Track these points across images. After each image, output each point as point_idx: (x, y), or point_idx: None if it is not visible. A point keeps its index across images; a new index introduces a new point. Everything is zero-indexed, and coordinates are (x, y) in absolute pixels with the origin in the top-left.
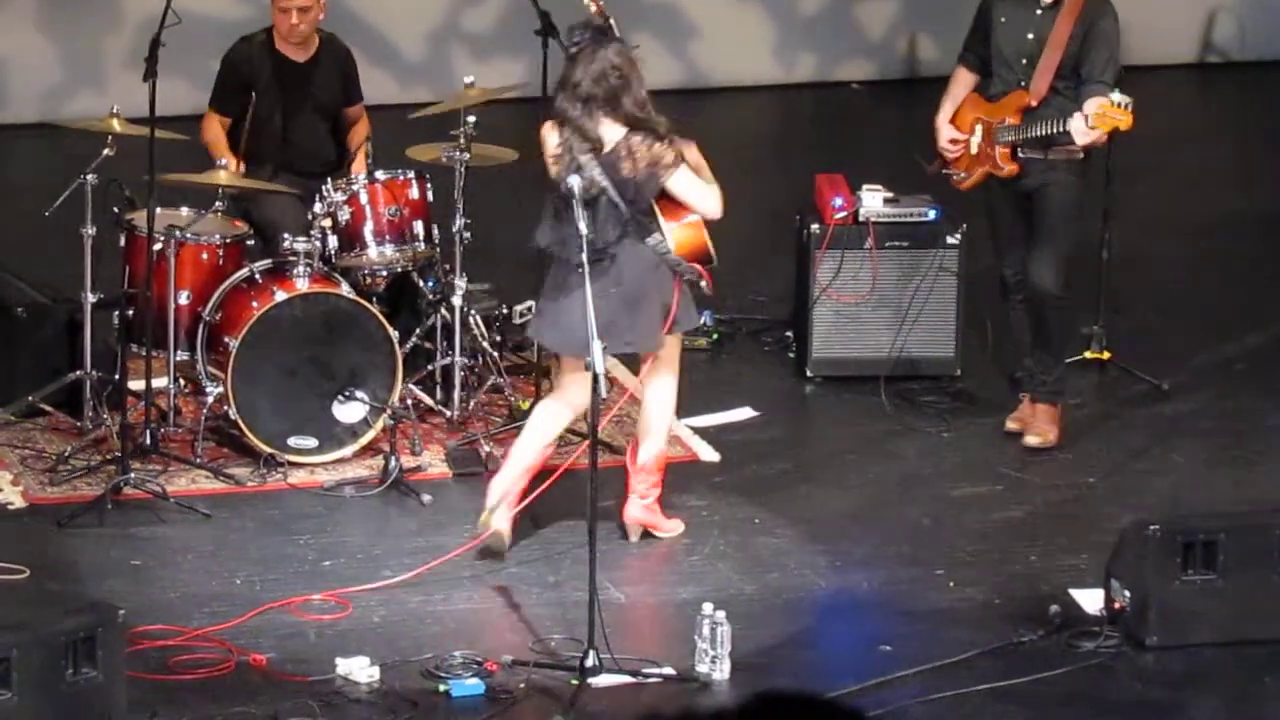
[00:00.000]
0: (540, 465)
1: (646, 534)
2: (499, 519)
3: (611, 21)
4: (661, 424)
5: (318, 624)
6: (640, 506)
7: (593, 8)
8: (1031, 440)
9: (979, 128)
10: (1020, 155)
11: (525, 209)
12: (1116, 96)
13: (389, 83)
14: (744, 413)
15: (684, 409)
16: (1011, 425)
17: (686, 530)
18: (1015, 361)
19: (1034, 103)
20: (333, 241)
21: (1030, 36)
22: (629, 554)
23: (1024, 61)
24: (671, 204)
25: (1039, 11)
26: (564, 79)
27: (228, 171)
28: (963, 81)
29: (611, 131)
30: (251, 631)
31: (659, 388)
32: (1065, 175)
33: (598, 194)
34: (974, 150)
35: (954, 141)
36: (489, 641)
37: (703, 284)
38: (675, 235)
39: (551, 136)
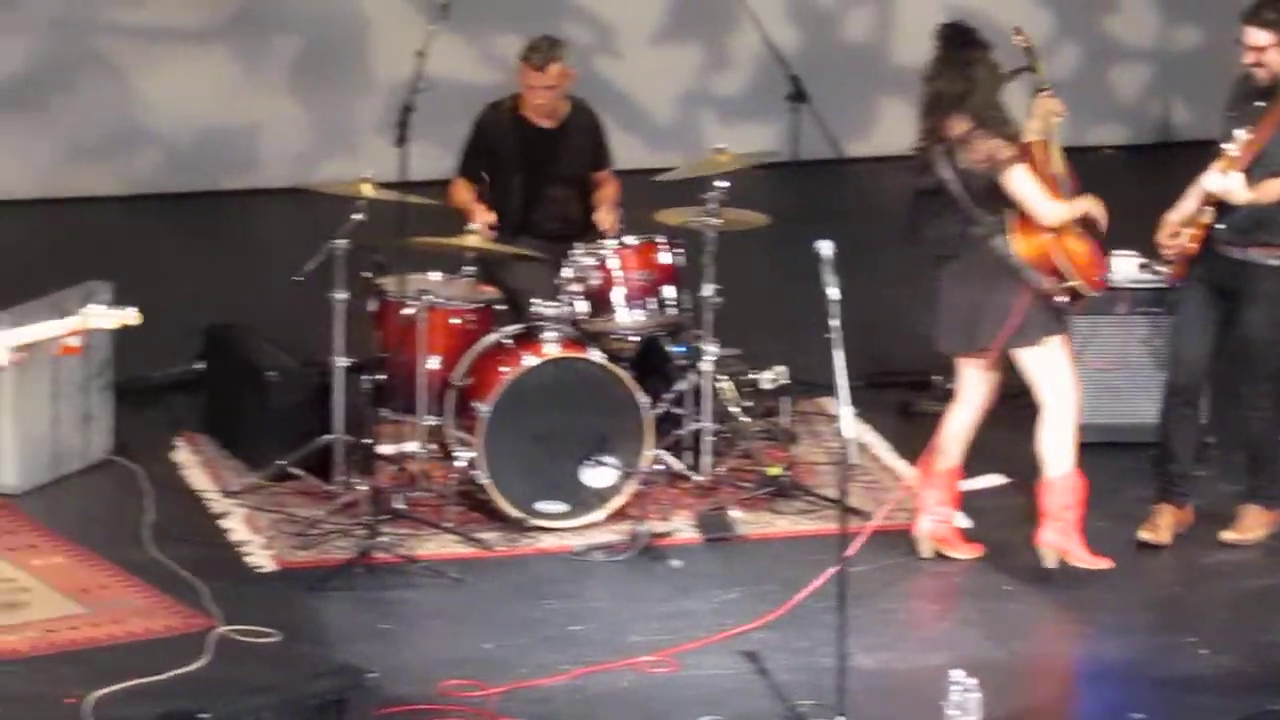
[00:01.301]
0: (958, 470)
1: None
2: (921, 526)
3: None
4: (1050, 447)
5: (567, 689)
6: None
7: (1021, 40)
8: (1231, 536)
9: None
10: (1214, 236)
11: (775, 274)
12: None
13: (638, 147)
14: (994, 479)
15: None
16: (1144, 535)
17: (935, 595)
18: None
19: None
20: (582, 306)
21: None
22: (878, 619)
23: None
24: (1025, 216)
25: (1257, 104)
26: (925, 75)
27: (478, 236)
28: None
29: (960, 127)
30: (500, 696)
31: (1047, 408)
32: (1265, 284)
33: (942, 187)
34: (1184, 238)
35: (1172, 235)
36: (738, 708)
37: (1059, 296)
38: (1023, 244)
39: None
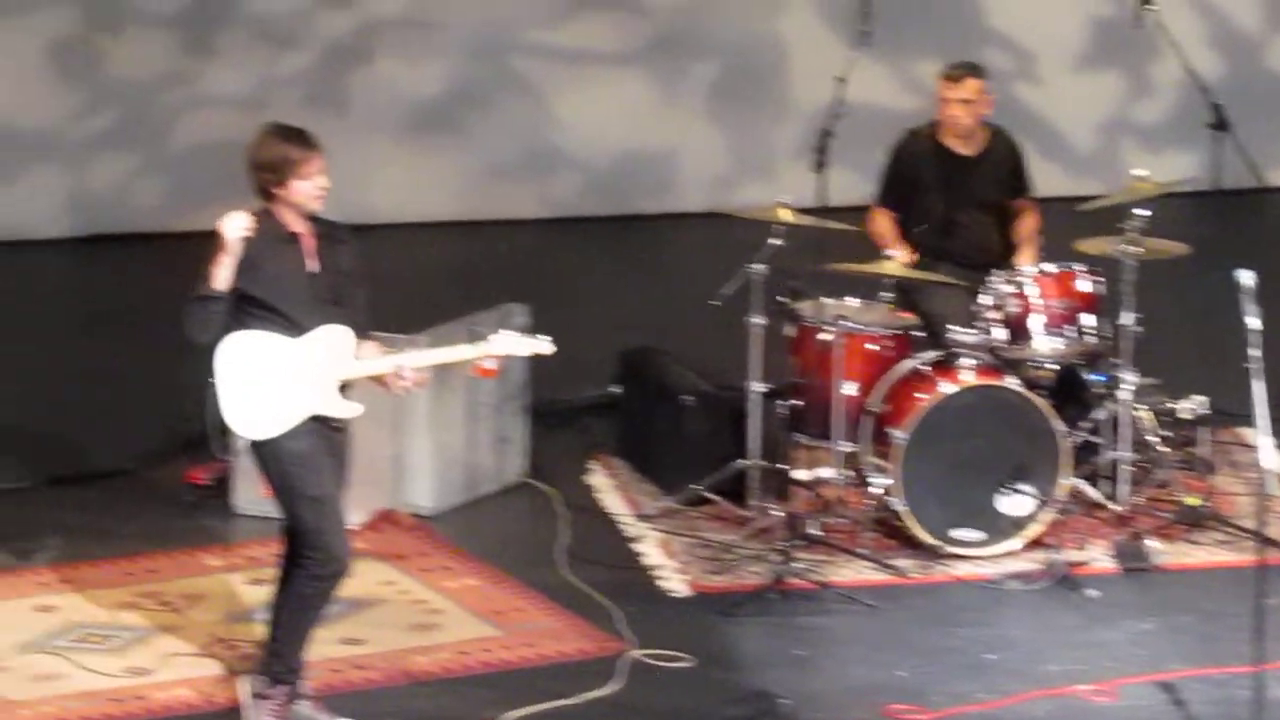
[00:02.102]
0: None
1: None
2: None
3: None
4: None
5: (981, 718)
6: None
7: None
8: None
9: None
10: None
11: (1195, 303)
12: None
13: (1058, 175)
14: None
15: None
16: None
17: None
18: None
19: None
20: (999, 333)
21: None
22: None
23: None
24: None
25: None
26: None
27: (896, 262)
28: None
29: None
30: None
31: None
32: None
33: None
34: None
35: None
36: None
37: None
38: None
39: None
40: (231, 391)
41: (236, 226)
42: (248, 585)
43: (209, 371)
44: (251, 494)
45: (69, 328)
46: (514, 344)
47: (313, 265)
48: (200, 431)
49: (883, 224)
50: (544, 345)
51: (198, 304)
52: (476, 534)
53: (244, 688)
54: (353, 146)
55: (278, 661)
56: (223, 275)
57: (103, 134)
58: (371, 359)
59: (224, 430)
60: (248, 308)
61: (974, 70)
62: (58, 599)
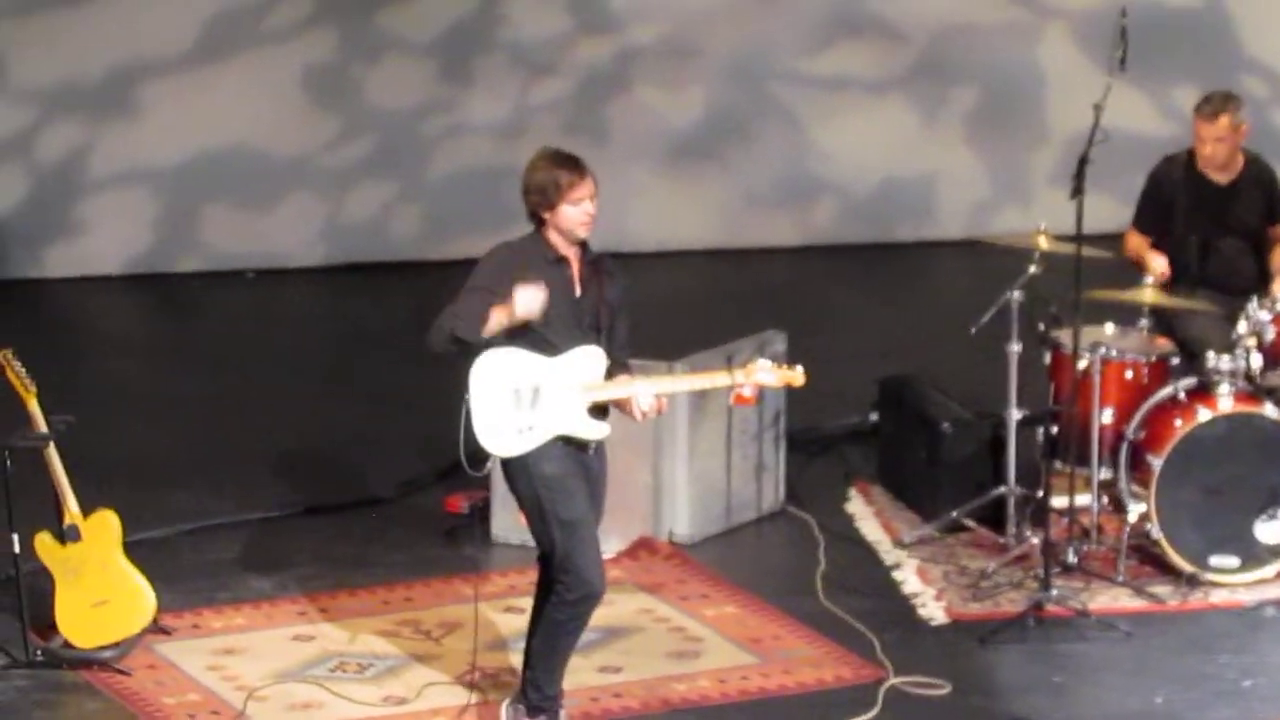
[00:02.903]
0: None
1: None
2: None
3: None
4: None
5: None
6: None
7: None
8: None
9: None
10: None
11: None
12: None
13: None
14: None
15: None
16: None
17: None
18: None
19: None
20: (1257, 360)
21: None
22: None
23: None
24: None
25: None
26: None
27: (1153, 289)
28: None
29: None
30: None
31: None
32: None
33: None
34: None
35: None
36: None
37: None
38: None
39: None
40: (483, 406)
41: (530, 301)
42: (504, 614)
43: (465, 390)
44: (509, 522)
45: (327, 355)
46: (769, 373)
47: (578, 291)
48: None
49: (1138, 247)
50: (798, 376)
51: (455, 342)
52: (734, 561)
53: (503, 712)
54: (611, 174)
55: (534, 690)
56: (492, 329)
57: (359, 162)
58: (615, 383)
59: (480, 454)
60: (513, 332)
61: (1228, 106)
62: (315, 628)
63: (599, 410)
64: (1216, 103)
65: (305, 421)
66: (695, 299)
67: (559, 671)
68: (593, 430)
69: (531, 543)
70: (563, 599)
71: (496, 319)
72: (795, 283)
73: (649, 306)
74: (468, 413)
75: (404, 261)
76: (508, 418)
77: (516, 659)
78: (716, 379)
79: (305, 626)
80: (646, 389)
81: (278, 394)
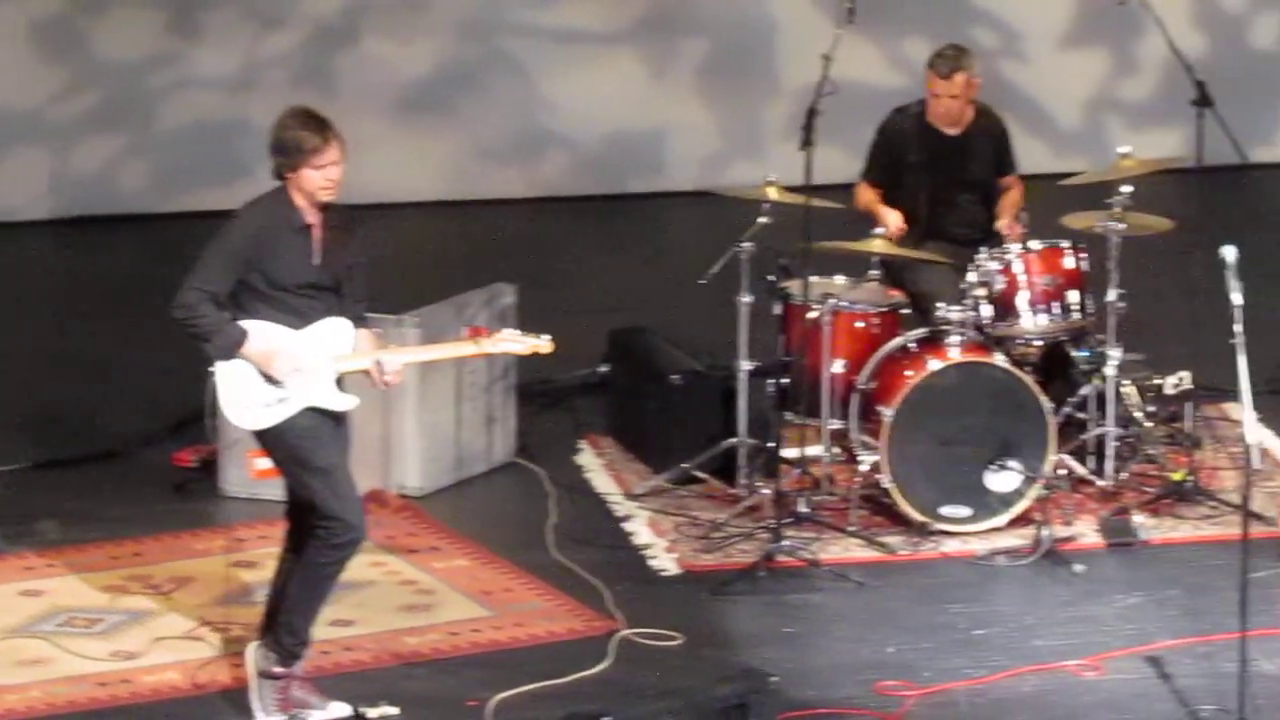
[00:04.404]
0: None
1: None
2: None
3: None
4: None
5: (970, 693)
6: None
7: None
8: None
9: None
10: None
11: (1179, 279)
12: None
13: (1043, 152)
14: None
15: None
16: None
17: None
18: None
19: None
20: (987, 310)
21: None
22: None
23: None
24: None
25: None
26: None
27: (883, 240)
28: None
29: None
30: (906, 700)
31: None
32: None
33: None
34: None
35: None
36: (1140, 712)
37: None
38: None
39: None
40: (231, 381)
41: (287, 367)
42: (236, 568)
43: (207, 360)
44: (240, 476)
45: (54, 310)
46: (515, 342)
47: (318, 257)
48: (187, 415)
49: (869, 200)
50: (544, 344)
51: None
52: (465, 514)
53: (251, 657)
54: (341, 127)
55: (289, 635)
56: (251, 357)
57: (87, 115)
58: (360, 354)
59: (213, 414)
60: (250, 296)
61: (961, 63)
62: (44, 584)
63: (342, 380)
64: (951, 59)
65: (33, 376)
66: (425, 251)
67: (314, 618)
68: (341, 401)
69: (261, 495)
70: (327, 544)
71: (256, 351)
72: (526, 235)
73: (380, 259)
74: (213, 385)
75: (133, 214)
76: (256, 391)
77: (249, 612)
78: (463, 349)
79: (33, 582)
80: (392, 360)
81: (3, 348)
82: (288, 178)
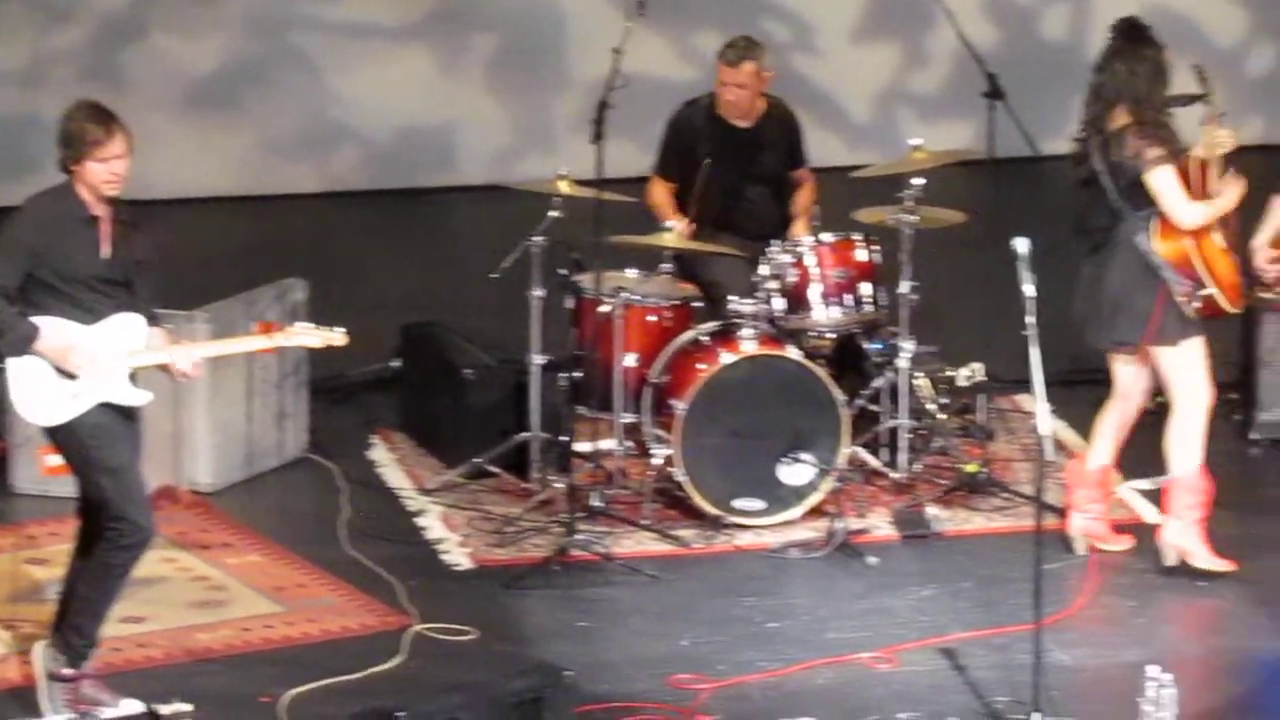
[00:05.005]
0: (1110, 469)
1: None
2: (1074, 524)
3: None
4: (1177, 447)
5: (764, 686)
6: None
7: (1198, 71)
8: None
9: None
10: None
11: (972, 271)
12: None
13: (836, 145)
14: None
15: (1128, 471)
16: None
17: (1130, 591)
18: None
19: None
20: (779, 304)
21: None
22: (1075, 616)
23: None
24: (1167, 217)
25: None
26: (1094, 67)
27: (675, 234)
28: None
29: (1119, 120)
30: (700, 693)
31: (1177, 408)
32: None
33: (1093, 177)
34: None
35: (1273, 260)
36: (935, 704)
37: (1187, 303)
38: (1165, 245)
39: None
40: (22, 377)
41: (82, 362)
42: (28, 565)
43: None
44: (31, 473)
45: None
46: (309, 335)
47: (106, 250)
48: None
49: (660, 194)
50: (337, 337)
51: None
52: (258, 510)
53: (38, 658)
54: (130, 122)
55: (77, 636)
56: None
57: None
58: (155, 349)
59: (4, 411)
60: (41, 291)
61: (751, 53)
62: None
63: (135, 375)
64: (740, 49)
65: None
66: (215, 248)
67: (104, 618)
68: (135, 397)
69: (53, 492)
70: (116, 544)
71: (49, 346)
72: (317, 230)
73: (170, 255)
74: (3, 383)
75: None
76: (49, 388)
77: (40, 610)
78: (255, 342)
79: None
80: (185, 355)
81: None
82: (73, 170)
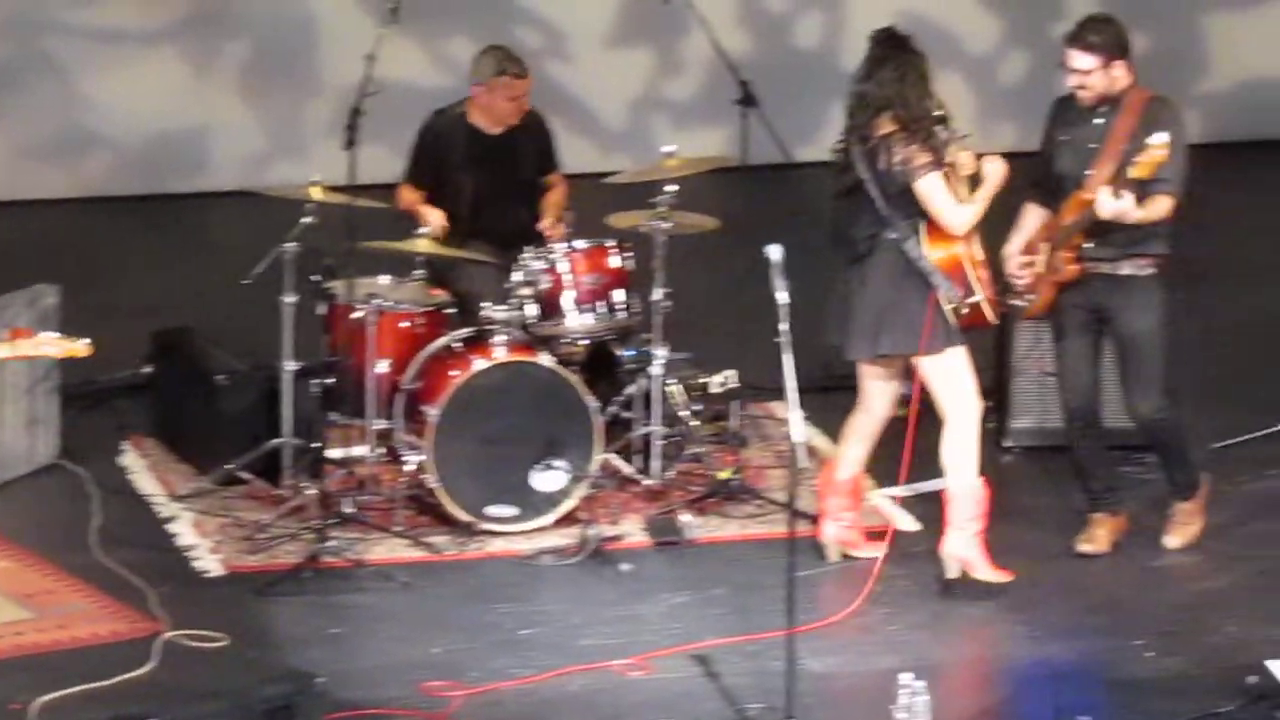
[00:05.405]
0: (859, 478)
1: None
2: (826, 532)
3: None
4: (953, 458)
5: (516, 693)
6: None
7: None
8: (1173, 542)
9: (1044, 245)
10: (1085, 257)
11: (725, 278)
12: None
13: (589, 151)
14: (941, 483)
15: (882, 478)
16: (1083, 546)
17: (886, 596)
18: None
19: (1091, 196)
20: (532, 310)
21: (1092, 147)
22: (829, 624)
23: (1089, 173)
24: (936, 225)
25: (1096, 121)
26: (856, 77)
27: (427, 239)
28: (1032, 214)
29: (884, 128)
30: (451, 700)
31: (948, 418)
32: (1143, 294)
33: (857, 185)
34: (1040, 267)
35: (1023, 266)
36: (688, 711)
37: (952, 309)
38: (935, 251)
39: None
40: None
41: None
42: None
43: None
44: None
45: None
46: (53, 345)
47: None
48: None
49: (411, 196)
50: (80, 347)
51: None
52: (7, 516)
53: None
54: None
55: None
56: None
57: None
58: None
59: None
60: None
61: (525, 64)
62: None
63: None
64: (520, 62)
65: None
66: None
67: None
68: None
69: None
70: None
71: None
72: (67, 236)
73: None
74: None
75: None
76: None
77: None
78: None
79: None
80: None
81: None
82: None
